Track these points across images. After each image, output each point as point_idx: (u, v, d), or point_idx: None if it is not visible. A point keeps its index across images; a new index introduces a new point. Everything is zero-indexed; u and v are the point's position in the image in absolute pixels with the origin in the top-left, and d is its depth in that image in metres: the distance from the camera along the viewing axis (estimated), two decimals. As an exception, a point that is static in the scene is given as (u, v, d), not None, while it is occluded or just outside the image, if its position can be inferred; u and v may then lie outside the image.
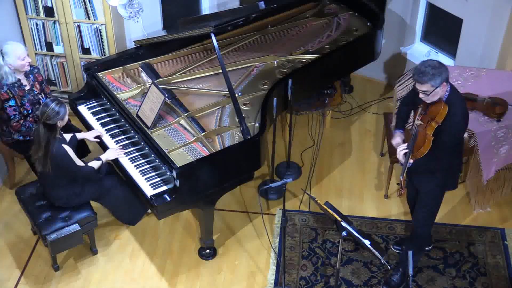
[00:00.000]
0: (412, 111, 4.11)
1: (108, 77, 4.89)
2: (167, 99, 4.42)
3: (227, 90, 4.43)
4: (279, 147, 5.53)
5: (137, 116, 4.49)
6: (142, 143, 4.43)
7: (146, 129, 4.38)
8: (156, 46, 4.99)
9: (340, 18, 5.52)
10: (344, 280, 4.50)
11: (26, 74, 4.69)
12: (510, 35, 5.00)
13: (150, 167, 4.36)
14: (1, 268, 4.58)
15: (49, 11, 5.33)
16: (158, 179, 4.28)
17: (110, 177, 4.54)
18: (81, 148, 4.75)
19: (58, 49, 5.56)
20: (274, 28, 5.41)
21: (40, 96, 4.73)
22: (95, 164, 4.35)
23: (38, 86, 4.74)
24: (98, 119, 4.75)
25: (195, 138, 4.34)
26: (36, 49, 5.56)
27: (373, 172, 5.39)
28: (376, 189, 5.22)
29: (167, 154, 4.20)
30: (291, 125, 5.02)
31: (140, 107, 4.50)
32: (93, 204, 4.55)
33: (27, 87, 4.66)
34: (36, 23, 5.41)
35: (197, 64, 5.03)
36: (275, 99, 4.52)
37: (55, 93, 5.74)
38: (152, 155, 4.33)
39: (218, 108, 4.62)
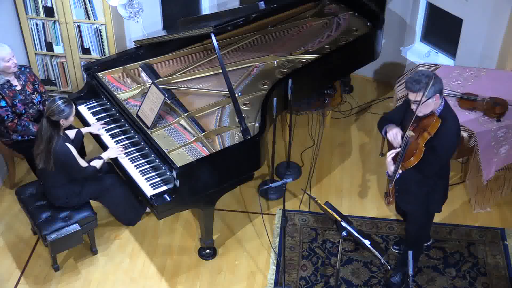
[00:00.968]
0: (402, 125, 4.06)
1: (108, 77, 4.90)
2: (167, 99, 4.42)
3: (227, 90, 4.43)
4: (279, 147, 5.53)
5: (137, 116, 4.49)
6: (142, 143, 4.43)
7: (146, 129, 4.38)
8: (156, 46, 4.99)
9: (340, 18, 5.51)
10: (344, 280, 4.50)
11: (17, 75, 4.68)
12: (510, 35, 5.00)
13: (150, 167, 4.36)
14: (1, 268, 4.58)
15: (49, 11, 5.33)
16: (158, 179, 4.28)
17: (110, 177, 4.54)
18: (80, 150, 4.75)
19: (58, 49, 5.57)
20: (274, 28, 5.42)
21: (33, 96, 4.73)
22: (96, 163, 4.35)
23: (30, 86, 4.73)
24: (98, 119, 4.75)
25: (195, 138, 4.34)
26: (36, 49, 5.56)
27: (373, 172, 5.39)
28: (376, 189, 5.23)
29: (167, 154, 4.20)
30: (291, 125, 5.02)
31: (140, 107, 4.50)
32: (93, 204, 4.55)
33: (18, 88, 4.65)
34: (36, 23, 5.41)
35: (197, 64, 5.03)
36: (275, 99, 4.52)
37: (55, 93, 5.74)
38: (152, 155, 4.33)
39: (218, 108, 4.62)
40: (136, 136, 4.48)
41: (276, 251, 4.69)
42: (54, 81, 5.74)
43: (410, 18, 5.87)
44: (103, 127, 4.62)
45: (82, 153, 4.92)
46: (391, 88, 6.07)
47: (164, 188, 4.21)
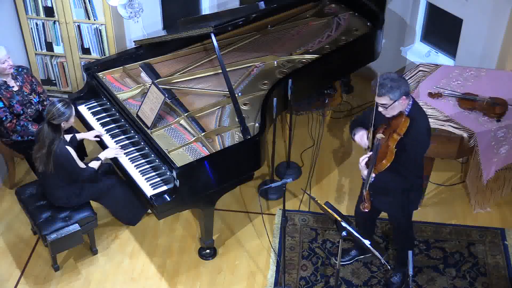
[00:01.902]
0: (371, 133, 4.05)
1: (108, 77, 4.89)
2: (167, 99, 4.42)
3: (227, 90, 4.43)
4: (279, 147, 5.53)
5: (137, 116, 4.49)
6: (142, 143, 4.43)
7: (146, 129, 4.38)
8: (156, 46, 4.99)
9: (340, 18, 5.51)
10: (344, 280, 4.50)
11: (14, 76, 4.68)
12: (510, 35, 5.00)
13: (150, 167, 4.36)
14: (1, 268, 4.58)
15: (49, 11, 5.33)
16: (158, 179, 4.28)
17: (110, 177, 4.54)
18: (79, 151, 4.74)
19: (58, 49, 5.57)
20: (274, 28, 5.42)
21: (31, 96, 4.72)
22: (94, 164, 4.35)
23: (28, 87, 4.73)
24: (98, 119, 4.75)
25: (195, 138, 4.34)
26: (36, 49, 5.56)
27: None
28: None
29: (167, 154, 4.20)
30: (291, 125, 5.02)
31: (140, 107, 4.50)
32: (93, 204, 4.55)
33: (15, 88, 4.65)
34: (36, 23, 5.41)
35: (197, 64, 5.03)
36: (275, 99, 4.52)
37: (55, 93, 5.75)
38: (152, 155, 4.33)
39: (218, 108, 4.62)
40: (136, 136, 4.48)
41: (276, 251, 4.69)
42: (54, 81, 5.74)
43: (410, 18, 5.87)
44: (100, 135, 4.59)
45: (82, 154, 4.93)
46: (391, 88, 6.06)
47: (164, 188, 4.21)
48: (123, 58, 4.99)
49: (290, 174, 5.29)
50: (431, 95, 4.85)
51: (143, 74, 4.92)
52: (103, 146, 4.59)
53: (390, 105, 3.65)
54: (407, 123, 3.68)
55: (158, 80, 4.78)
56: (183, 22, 5.07)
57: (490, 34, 5.14)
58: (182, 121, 4.50)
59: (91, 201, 4.53)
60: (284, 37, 5.34)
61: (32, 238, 4.79)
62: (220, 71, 4.54)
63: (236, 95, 4.62)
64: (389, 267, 3.99)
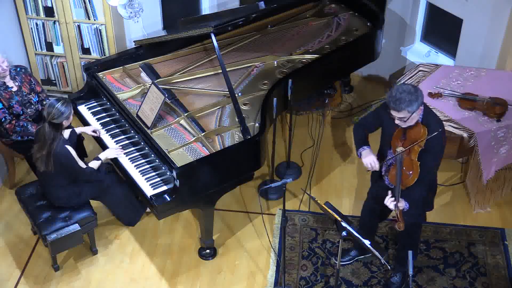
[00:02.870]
0: (382, 136, 4.03)
1: (108, 77, 4.89)
2: (167, 99, 4.42)
3: (227, 90, 4.43)
4: (279, 147, 5.53)
5: (137, 116, 4.49)
6: (142, 143, 4.43)
7: (146, 129, 4.38)
8: (156, 46, 4.99)
9: (340, 18, 5.51)
10: (344, 280, 4.50)
11: (13, 76, 4.67)
12: (510, 35, 5.00)
13: (150, 167, 4.36)
14: (1, 268, 4.58)
15: (49, 11, 5.33)
16: (158, 179, 4.28)
17: (110, 176, 4.54)
18: (79, 150, 4.74)
19: (58, 49, 5.57)
20: (274, 28, 5.41)
21: (30, 96, 4.72)
22: (94, 164, 4.35)
23: (27, 87, 4.73)
24: (98, 119, 4.75)
25: (195, 138, 4.34)
26: (36, 49, 5.56)
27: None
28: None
29: (167, 154, 4.20)
30: (291, 125, 5.02)
31: (140, 107, 4.50)
32: (93, 204, 4.55)
33: (14, 89, 4.65)
34: (36, 23, 5.41)
35: (197, 64, 5.03)
36: (275, 99, 4.52)
37: (55, 93, 5.75)
38: (152, 155, 4.33)
39: (218, 108, 4.62)
40: (136, 136, 4.48)
41: (276, 251, 4.69)
42: (54, 81, 5.74)
43: (410, 18, 5.87)
44: (98, 131, 4.59)
45: (82, 154, 4.92)
46: (391, 88, 6.07)
47: (164, 188, 4.21)
48: (123, 58, 4.99)
49: (290, 174, 5.29)
50: (431, 95, 4.85)
51: (143, 74, 4.92)
52: (103, 146, 4.59)
53: (409, 118, 3.63)
54: (425, 132, 3.66)
55: (158, 80, 4.78)
56: (183, 22, 5.07)
57: (490, 34, 5.14)
58: (182, 121, 4.50)
59: (91, 201, 4.53)
60: (284, 37, 5.34)
61: (32, 238, 4.79)
62: (220, 71, 4.54)
63: (236, 95, 4.62)
64: (389, 267, 3.99)
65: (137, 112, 4.51)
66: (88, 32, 5.42)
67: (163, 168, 4.24)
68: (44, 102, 4.81)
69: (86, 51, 5.53)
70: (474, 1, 5.15)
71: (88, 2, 5.25)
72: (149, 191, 4.20)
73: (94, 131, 4.58)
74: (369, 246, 3.58)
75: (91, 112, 4.81)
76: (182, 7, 5.90)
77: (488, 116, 4.67)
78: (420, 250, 4.69)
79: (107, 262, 4.64)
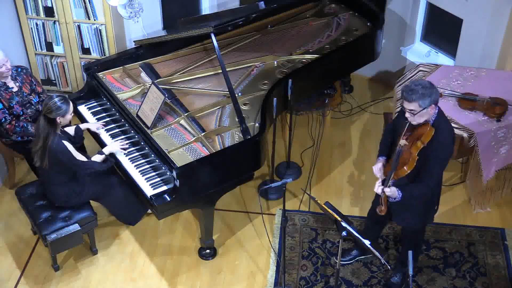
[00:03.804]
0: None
1: (108, 77, 4.90)
2: (167, 99, 4.42)
3: (227, 90, 4.43)
4: (279, 147, 5.53)
5: (137, 116, 4.49)
6: (142, 143, 4.43)
7: (146, 129, 4.38)
8: (156, 46, 4.99)
9: (340, 18, 5.51)
10: (344, 280, 4.50)
11: (13, 77, 4.67)
12: (510, 35, 5.00)
13: (150, 167, 4.36)
14: (1, 268, 4.58)
15: (49, 11, 5.33)
16: (158, 179, 4.28)
17: (110, 177, 4.54)
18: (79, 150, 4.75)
19: (58, 49, 5.57)
20: (274, 28, 5.42)
21: (30, 97, 4.72)
22: (98, 158, 4.34)
23: (28, 87, 4.72)
24: (98, 119, 4.75)
25: (195, 138, 4.34)
26: (36, 49, 5.56)
27: (373, 172, 5.37)
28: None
29: (167, 154, 4.20)
30: (291, 125, 5.02)
31: (140, 107, 4.50)
32: (93, 204, 4.55)
33: (15, 89, 4.65)
34: (36, 23, 5.41)
35: (197, 64, 5.03)
36: (275, 99, 4.52)
37: (55, 93, 5.74)
38: (152, 155, 4.33)
39: (218, 108, 4.62)
40: (136, 136, 4.48)
41: (276, 251, 4.69)
42: (54, 81, 5.74)
43: (410, 18, 5.87)
44: (103, 127, 4.61)
45: (82, 151, 4.91)
46: (391, 88, 6.07)
47: (164, 188, 4.21)
48: (123, 58, 4.99)
49: (290, 174, 5.29)
50: (431, 95, 4.85)
51: (143, 74, 4.92)
52: (102, 145, 4.58)
53: (418, 112, 3.61)
54: (432, 132, 3.66)
55: (158, 80, 4.78)
56: (183, 22, 5.07)
57: (490, 34, 5.14)
58: (182, 121, 4.50)
59: (91, 201, 4.53)
60: (284, 37, 5.34)
61: (32, 238, 4.79)
62: (220, 71, 4.55)
63: (236, 95, 4.62)
64: (389, 267, 3.99)
65: (137, 112, 4.51)
66: (88, 32, 5.42)
67: (163, 168, 4.24)
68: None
69: (86, 51, 5.53)
70: (474, 1, 5.15)
71: (88, 2, 5.25)
72: (149, 191, 4.20)
73: (98, 128, 4.59)
74: (369, 246, 3.58)
75: (91, 112, 4.81)
76: (182, 7, 5.90)
77: (488, 116, 4.67)
78: (420, 250, 4.69)
79: (107, 262, 4.64)
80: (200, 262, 4.65)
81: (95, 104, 4.87)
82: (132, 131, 4.52)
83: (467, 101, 4.76)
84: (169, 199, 4.09)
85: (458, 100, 4.80)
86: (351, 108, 6.06)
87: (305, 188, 5.18)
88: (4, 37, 5.16)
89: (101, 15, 5.31)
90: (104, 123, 4.65)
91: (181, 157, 4.20)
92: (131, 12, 5.38)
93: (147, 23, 5.59)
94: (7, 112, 4.60)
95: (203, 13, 5.97)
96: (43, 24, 5.41)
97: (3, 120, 4.60)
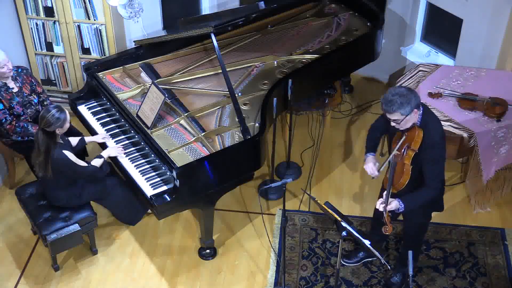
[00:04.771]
0: (387, 139, 4.02)
1: (108, 77, 4.90)
2: (167, 99, 4.42)
3: (227, 90, 4.43)
4: (279, 147, 5.53)
5: (137, 116, 4.49)
6: (142, 143, 4.43)
7: (146, 129, 4.38)
8: (156, 46, 4.99)
9: (340, 18, 5.51)
10: (344, 280, 4.50)
11: (14, 77, 4.67)
12: (510, 35, 5.00)
13: (150, 167, 4.36)
14: (1, 268, 4.58)
15: (49, 11, 5.33)
16: (158, 179, 4.28)
17: (110, 178, 4.54)
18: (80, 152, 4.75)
19: (58, 49, 5.56)
20: (274, 28, 5.42)
21: (31, 97, 4.72)
22: (97, 162, 4.35)
23: (28, 87, 4.72)
24: (98, 119, 4.75)
25: (195, 138, 4.34)
26: (36, 49, 5.56)
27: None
28: (376, 189, 5.21)
29: (167, 154, 4.20)
30: (291, 125, 5.02)
31: (140, 107, 4.50)
32: (93, 204, 4.55)
33: (15, 90, 4.64)
34: (36, 23, 5.41)
35: (197, 64, 5.03)
36: (275, 99, 4.52)
37: (55, 93, 5.75)
38: (152, 155, 4.33)
39: (218, 108, 4.62)
40: (136, 136, 4.48)
41: (276, 251, 4.69)
42: (54, 81, 5.74)
43: (410, 18, 5.87)
44: (108, 138, 4.58)
45: (83, 154, 4.92)
46: (391, 88, 6.07)
47: (164, 188, 4.21)
48: (123, 58, 4.99)
49: (290, 174, 5.29)
50: (431, 95, 4.86)
51: (143, 74, 4.92)
52: (102, 146, 4.58)
53: (402, 120, 3.61)
54: (421, 135, 3.65)
55: (158, 80, 4.78)
56: (183, 22, 5.07)
57: (490, 34, 5.14)
58: (182, 121, 4.50)
59: (91, 201, 4.53)
60: (284, 37, 5.34)
61: (32, 238, 4.79)
62: (220, 71, 4.55)
63: (236, 95, 4.62)
64: (389, 267, 3.99)
65: (137, 112, 4.51)
66: (88, 32, 5.42)
67: (163, 168, 4.24)
68: (45, 103, 4.81)
69: (86, 51, 5.53)
70: (474, 1, 5.15)
71: (88, 2, 5.25)
72: (149, 191, 4.20)
73: (104, 138, 4.57)
74: (369, 246, 3.58)
75: (91, 112, 4.81)
76: (182, 7, 5.90)
77: (488, 116, 4.67)
78: (420, 250, 4.69)
79: (107, 262, 4.64)
80: (200, 262, 4.65)
81: (95, 104, 4.87)
82: (132, 131, 4.52)
83: (467, 101, 4.76)
84: (169, 199, 4.09)
85: (458, 100, 4.80)
86: (351, 108, 6.06)
87: (305, 188, 5.18)
88: (4, 37, 5.16)
89: (101, 15, 5.31)
90: (107, 132, 4.60)
91: (181, 157, 4.20)
92: (131, 12, 5.38)
93: (147, 23, 5.59)
94: (7, 112, 4.60)
95: (203, 13, 5.97)
96: (43, 24, 5.41)
97: (4, 120, 4.60)
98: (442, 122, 4.57)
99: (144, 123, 4.42)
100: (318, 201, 3.74)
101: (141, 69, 4.95)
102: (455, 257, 4.67)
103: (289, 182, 3.84)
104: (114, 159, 4.46)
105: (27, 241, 4.78)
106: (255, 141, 4.28)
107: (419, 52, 5.96)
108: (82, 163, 4.31)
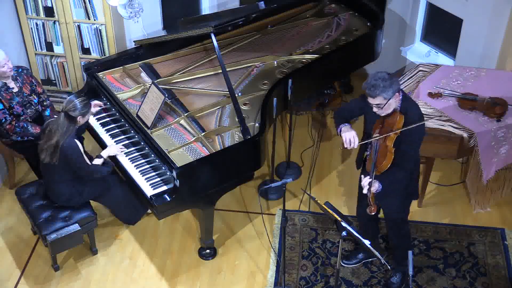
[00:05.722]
0: (364, 126, 4.04)
1: (108, 77, 4.90)
2: (167, 99, 4.42)
3: (227, 90, 4.43)
4: (279, 147, 5.53)
5: (137, 116, 4.49)
6: (142, 143, 4.43)
7: (146, 129, 4.39)
8: (156, 46, 4.99)
9: (340, 18, 5.52)
10: (344, 280, 4.50)
11: (14, 77, 4.67)
12: (510, 35, 5.00)
13: (150, 167, 4.36)
14: (1, 268, 4.58)
15: (49, 11, 5.33)
16: (158, 179, 4.28)
17: (110, 177, 4.54)
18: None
19: (58, 49, 5.56)
20: (274, 28, 5.42)
21: (31, 97, 4.72)
22: (97, 161, 4.35)
23: (28, 87, 4.72)
24: (98, 119, 4.75)
25: (195, 138, 4.34)
26: (36, 49, 5.56)
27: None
28: (376, 189, 5.22)
29: (167, 154, 4.20)
30: (291, 125, 5.02)
31: (140, 107, 4.50)
32: (93, 204, 4.55)
33: (15, 90, 4.64)
34: (36, 23, 5.41)
35: (197, 64, 5.03)
36: (275, 99, 4.52)
37: (55, 93, 5.75)
38: (152, 155, 4.33)
39: (218, 108, 4.63)
40: (136, 136, 4.48)
41: (276, 251, 4.69)
42: (54, 81, 5.74)
43: (410, 18, 5.87)
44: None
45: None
46: (391, 88, 6.06)
47: (164, 188, 4.22)
48: (123, 58, 4.99)
49: (290, 174, 5.29)
50: (431, 95, 4.85)
51: (143, 74, 4.92)
52: (102, 146, 4.59)
53: (385, 104, 3.68)
54: (402, 119, 3.73)
55: (158, 80, 4.78)
56: (183, 22, 5.07)
57: (490, 34, 5.14)
58: (182, 121, 4.50)
59: (91, 201, 4.53)
60: (284, 37, 5.34)
61: (32, 238, 4.80)
62: (220, 71, 4.54)
63: (236, 95, 4.62)
64: (389, 267, 4.00)
65: (137, 112, 4.51)
66: (88, 32, 5.42)
67: (163, 168, 4.24)
68: (45, 103, 4.81)
69: (86, 51, 5.53)
70: (474, 1, 5.15)
71: (88, 2, 5.25)
72: (149, 191, 4.20)
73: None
74: (369, 246, 3.58)
75: (91, 112, 4.81)
76: (182, 7, 5.90)
77: (488, 116, 4.67)
78: (420, 250, 4.70)
79: (107, 262, 4.64)
80: (200, 262, 4.65)
81: (95, 104, 4.87)
82: (132, 131, 4.52)
83: (467, 101, 4.76)
84: (169, 199, 4.09)
85: (458, 100, 4.80)
86: (351, 108, 6.05)
87: (305, 188, 5.18)
88: (4, 37, 5.16)
89: (101, 15, 5.31)
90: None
91: (181, 157, 4.20)
92: (131, 12, 5.38)
93: (147, 23, 5.59)
94: (7, 112, 4.60)
95: (203, 13, 5.97)
96: (43, 24, 5.41)
97: (4, 120, 4.60)
98: (442, 122, 4.61)
99: (144, 123, 4.42)
100: (318, 201, 3.74)
101: (141, 69, 4.95)
102: (455, 257, 4.66)
103: (289, 182, 3.84)
104: (114, 159, 4.46)
105: (27, 241, 4.78)
106: (255, 141, 4.28)
107: (419, 52, 5.96)
108: (86, 160, 4.30)
